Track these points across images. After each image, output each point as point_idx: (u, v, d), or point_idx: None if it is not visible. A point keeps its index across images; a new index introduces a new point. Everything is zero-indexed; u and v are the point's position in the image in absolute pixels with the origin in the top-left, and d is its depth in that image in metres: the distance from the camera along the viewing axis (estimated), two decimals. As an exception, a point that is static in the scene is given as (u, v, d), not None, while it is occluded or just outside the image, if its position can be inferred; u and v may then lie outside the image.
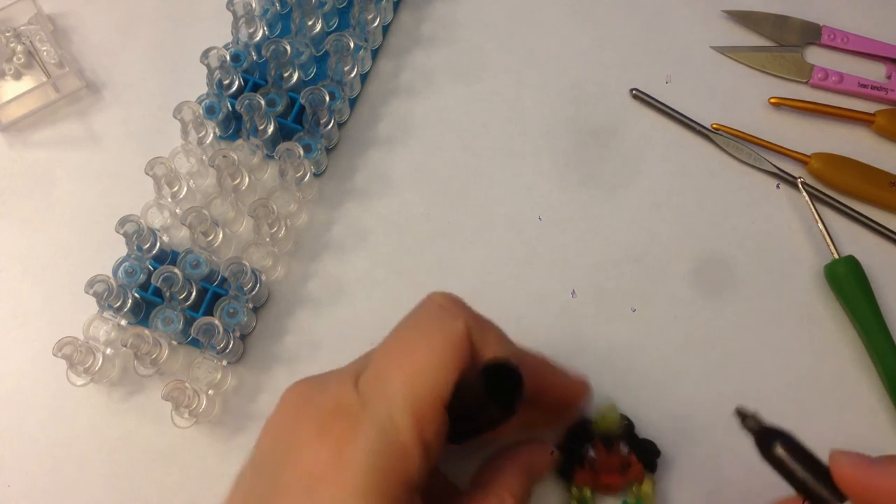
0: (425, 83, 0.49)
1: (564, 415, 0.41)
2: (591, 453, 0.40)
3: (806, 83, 0.49)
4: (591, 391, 0.39)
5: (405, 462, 0.30)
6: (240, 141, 0.45)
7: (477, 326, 0.33)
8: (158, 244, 0.42)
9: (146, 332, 0.41)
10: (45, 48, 0.48)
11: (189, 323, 0.41)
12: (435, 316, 0.33)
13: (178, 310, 0.41)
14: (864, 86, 0.49)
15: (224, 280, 0.42)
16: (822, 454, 0.43)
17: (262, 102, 0.43)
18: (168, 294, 0.41)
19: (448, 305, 0.34)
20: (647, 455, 0.40)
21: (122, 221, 0.41)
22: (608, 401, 0.40)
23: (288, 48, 0.44)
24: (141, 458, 0.42)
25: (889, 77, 0.50)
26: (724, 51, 0.50)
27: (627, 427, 0.41)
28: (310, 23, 0.46)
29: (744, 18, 0.50)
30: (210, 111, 0.44)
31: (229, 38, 0.47)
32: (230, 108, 0.44)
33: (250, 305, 0.43)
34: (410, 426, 0.30)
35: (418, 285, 0.45)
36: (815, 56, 0.50)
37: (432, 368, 0.31)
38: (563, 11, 0.50)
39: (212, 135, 0.45)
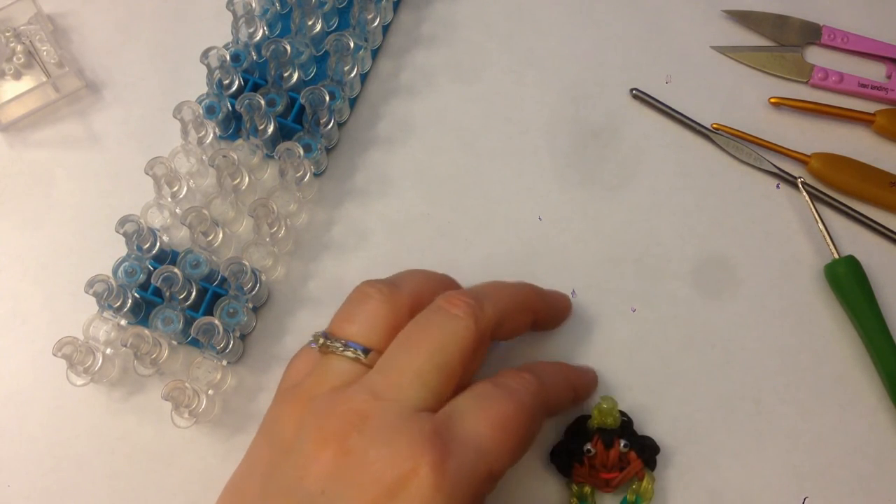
0: (425, 83, 0.49)
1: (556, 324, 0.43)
2: (590, 449, 0.40)
3: (806, 83, 0.49)
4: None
5: (490, 486, 0.31)
6: (240, 141, 0.45)
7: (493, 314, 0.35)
8: (158, 244, 0.42)
9: (146, 332, 0.41)
10: (45, 48, 0.48)
11: (189, 323, 0.41)
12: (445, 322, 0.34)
13: (178, 310, 0.41)
14: (865, 86, 0.49)
15: (224, 280, 0.42)
16: (823, 454, 0.43)
17: (262, 102, 0.43)
18: (168, 294, 0.41)
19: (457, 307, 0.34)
20: (647, 451, 0.40)
21: (122, 221, 0.41)
22: (607, 396, 0.40)
23: (288, 48, 0.44)
24: (141, 458, 0.42)
25: (889, 77, 0.50)
26: (724, 51, 0.50)
27: (626, 423, 0.41)
28: (310, 23, 0.46)
29: (744, 18, 0.50)
30: (210, 111, 0.44)
31: (229, 38, 0.47)
32: (230, 108, 0.45)
33: (250, 305, 0.43)
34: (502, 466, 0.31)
35: (418, 285, 0.45)
36: (815, 56, 0.50)
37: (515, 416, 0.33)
38: (563, 11, 0.50)
39: (212, 135, 0.45)
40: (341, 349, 0.33)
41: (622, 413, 0.41)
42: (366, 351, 0.33)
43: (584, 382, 0.41)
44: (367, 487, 0.29)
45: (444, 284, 0.38)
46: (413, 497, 0.28)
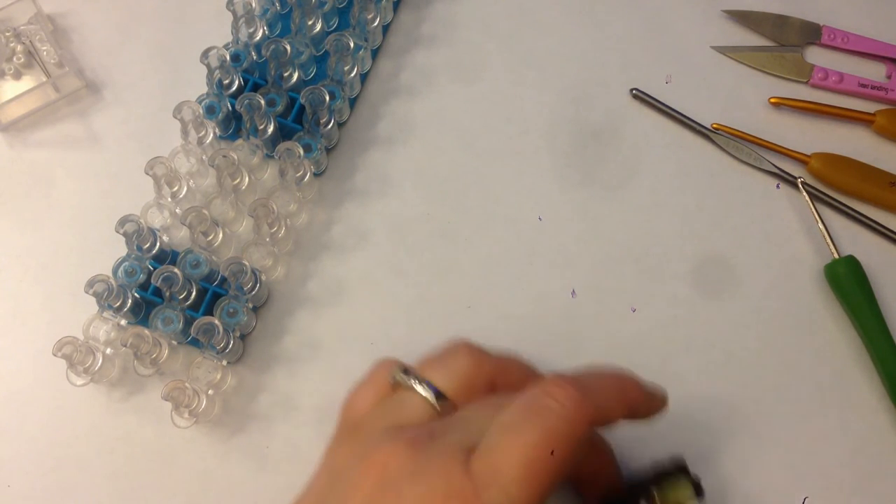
0: (425, 83, 0.49)
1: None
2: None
3: (806, 83, 0.49)
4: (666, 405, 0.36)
5: None
6: (240, 141, 0.45)
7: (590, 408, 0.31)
8: (158, 244, 0.42)
9: (146, 332, 0.41)
10: (45, 48, 0.47)
11: (189, 323, 0.41)
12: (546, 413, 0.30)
13: (178, 310, 0.41)
14: (864, 86, 0.49)
15: (224, 280, 0.42)
16: (823, 454, 0.43)
17: (262, 102, 0.43)
18: (168, 294, 0.41)
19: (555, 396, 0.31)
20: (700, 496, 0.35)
21: (122, 221, 0.41)
22: (675, 460, 0.35)
23: (288, 48, 0.44)
24: (141, 458, 0.42)
25: (889, 77, 0.50)
26: (724, 51, 0.50)
27: (695, 487, 0.35)
28: (310, 23, 0.46)
29: (744, 18, 0.50)
30: (210, 111, 0.44)
31: (229, 38, 0.47)
32: (230, 107, 0.44)
33: (250, 305, 0.43)
34: None
35: (418, 285, 0.45)
36: (815, 56, 0.50)
37: (547, 457, 0.29)
38: (563, 11, 0.50)
39: (212, 135, 0.45)
40: (416, 385, 0.33)
41: (695, 483, 0.35)
42: (440, 396, 0.33)
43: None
44: None
45: (525, 368, 0.37)
46: None
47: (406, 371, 0.34)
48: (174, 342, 0.43)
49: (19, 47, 0.47)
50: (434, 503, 0.28)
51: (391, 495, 0.29)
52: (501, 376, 0.34)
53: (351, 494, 0.30)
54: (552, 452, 0.29)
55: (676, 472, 0.35)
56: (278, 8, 0.47)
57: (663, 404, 0.36)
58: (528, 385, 0.31)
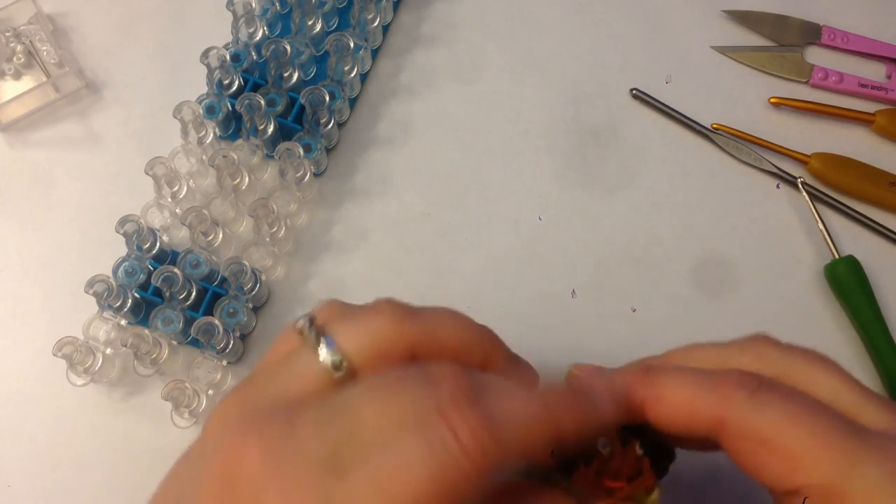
0: (425, 83, 0.49)
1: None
2: (604, 447, 0.30)
3: (806, 83, 0.49)
4: None
5: None
6: (240, 141, 0.45)
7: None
8: (158, 244, 0.42)
9: (146, 332, 0.41)
10: (45, 48, 0.47)
11: (189, 323, 0.41)
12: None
13: (178, 310, 0.41)
14: (864, 86, 0.49)
15: (224, 280, 0.42)
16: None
17: (262, 102, 0.43)
18: (168, 294, 0.41)
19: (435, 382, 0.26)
20: (663, 461, 0.32)
21: (122, 221, 0.41)
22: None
23: (288, 48, 0.44)
24: (141, 458, 0.42)
25: (889, 77, 0.50)
26: (724, 51, 0.50)
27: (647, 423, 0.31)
28: (310, 23, 0.46)
29: (744, 18, 0.50)
30: (210, 111, 0.44)
31: (229, 38, 0.47)
32: (230, 108, 0.44)
33: (250, 305, 0.43)
34: None
35: (418, 285, 0.45)
36: (815, 56, 0.50)
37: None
38: (563, 11, 0.50)
39: (212, 135, 0.45)
40: (315, 343, 0.27)
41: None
42: (339, 365, 0.27)
43: (584, 431, 0.28)
44: None
45: (479, 340, 0.30)
46: None
47: (311, 321, 0.28)
48: (174, 342, 0.43)
49: (19, 47, 0.47)
50: None
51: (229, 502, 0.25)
52: (426, 344, 0.28)
53: (195, 495, 0.27)
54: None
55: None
56: (278, 8, 0.47)
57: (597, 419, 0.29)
58: (452, 358, 0.26)
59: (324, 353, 0.27)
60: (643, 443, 0.30)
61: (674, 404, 0.28)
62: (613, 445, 0.30)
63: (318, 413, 0.26)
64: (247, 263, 0.41)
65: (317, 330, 0.28)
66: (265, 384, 0.28)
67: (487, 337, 0.31)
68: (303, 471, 0.24)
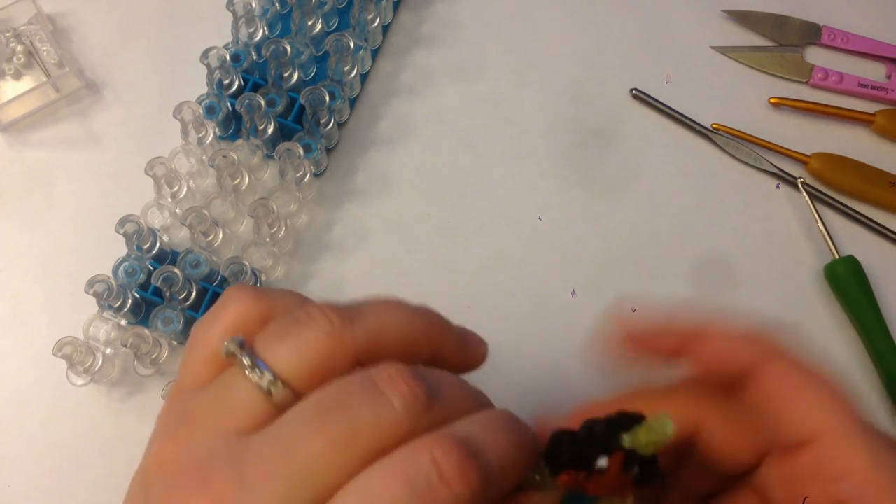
0: (425, 83, 0.49)
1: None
2: (602, 465, 0.28)
3: (806, 83, 0.49)
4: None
5: None
6: (240, 141, 0.45)
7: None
8: (158, 244, 0.42)
9: (146, 332, 0.41)
10: (45, 48, 0.47)
11: (189, 323, 0.41)
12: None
13: (178, 310, 0.41)
14: (864, 86, 0.49)
15: (224, 280, 0.42)
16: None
17: (262, 102, 0.43)
18: (168, 294, 0.41)
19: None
20: (651, 478, 0.29)
21: (122, 221, 0.41)
22: (664, 416, 0.29)
23: (288, 48, 0.44)
24: (141, 458, 0.42)
25: (889, 77, 0.50)
26: (724, 51, 0.50)
27: (655, 457, 0.29)
28: (310, 23, 0.46)
29: (744, 18, 0.50)
30: (210, 111, 0.44)
31: (229, 38, 0.47)
32: (230, 108, 0.44)
33: (250, 305, 0.43)
34: None
35: (418, 285, 0.45)
36: (815, 56, 0.50)
37: None
38: (563, 11, 0.50)
39: (212, 135, 0.45)
40: (249, 368, 0.25)
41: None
42: (279, 389, 0.24)
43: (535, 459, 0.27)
44: None
45: (426, 329, 0.28)
46: None
47: (242, 344, 0.25)
48: (174, 342, 0.43)
49: (19, 47, 0.47)
50: None
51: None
52: (370, 351, 0.26)
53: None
54: None
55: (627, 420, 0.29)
56: (278, 8, 0.47)
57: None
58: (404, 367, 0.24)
59: (258, 378, 0.25)
60: (641, 471, 0.28)
61: (722, 342, 0.30)
62: (612, 465, 0.28)
63: (264, 451, 0.23)
64: (247, 263, 0.41)
65: (249, 353, 0.25)
66: (202, 422, 0.25)
67: (433, 323, 0.28)
68: None
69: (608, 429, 0.28)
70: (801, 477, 0.27)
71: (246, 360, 0.25)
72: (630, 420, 0.28)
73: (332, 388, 0.24)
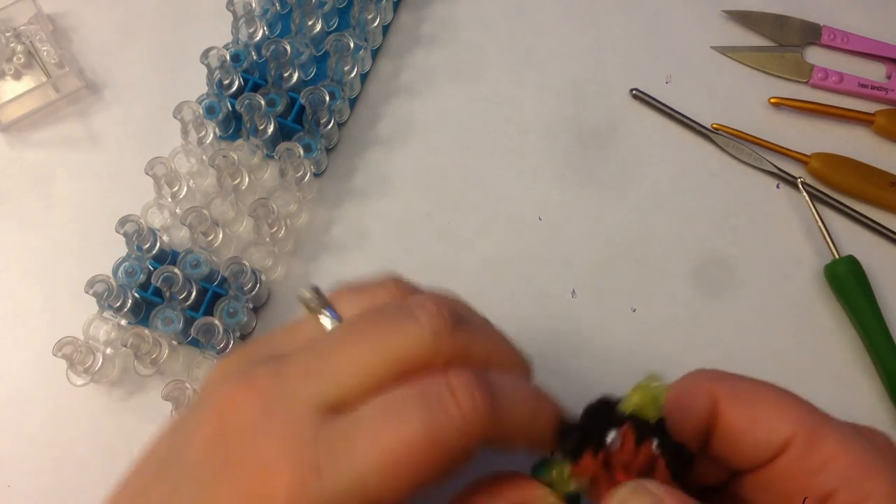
0: (425, 83, 0.49)
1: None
2: (615, 440, 0.28)
3: (806, 83, 0.49)
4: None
5: None
6: (240, 141, 0.45)
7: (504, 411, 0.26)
8: (158, 244, 0.42)
9: (146, 332, 0.41)
10: (45, 48, 0.48)
11: (189, 323, 0.41)
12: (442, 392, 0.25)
13: (178, 310, 0.41)
14: (864, 86, 0.49)
15: (224, 280, 0.42)
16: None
17: (262, 102, 0.43)
18: (168, 294, 0.41)
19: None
20: (680, 463, 0.28)
21: (122, 221, 0.41)
22: (654, 373, 0.29)
23: (288, 48, 0.44)
24: (141, 458, 0.42)
25: (889, 77, 0.50)
26: (724, 51, 0.50)
27: (662, 420, 0.28)
28: (310, 23, 0.46)
29: (744, 18, 0.50)
30: (210, 111, 0.44)
31: (229, 38, 0.47)
32: (230, 108, 0.44)
33: (250, 305, 0.43)
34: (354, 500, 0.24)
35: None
36: (815, 56, 0.50)
37: (420, 459, 0.24)
38: (563, 11, 0.50)
39: (212, 135, 0.45)
40: (318, 309, 0.28)
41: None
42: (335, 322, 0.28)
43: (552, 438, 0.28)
44: (225, 485, 0.25)
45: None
46: None
47: (317, 291, 0.29)
48: (174, 342, 0.43)
49: (19, 47, 0.47)
50: (265, 471, 0.24)
51: (221, 452, 0.25)
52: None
53: (186, 445, 0.26)
54: (428, 455, 0.24)
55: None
56: (278, 8, 0.47)
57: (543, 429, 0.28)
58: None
59: (325, 320, 0.28)
60: (662, 442, 0.28)
61: (677, 401, 0.29)
62: (625, 439, 0.28)
63: (301, 358, 0.26)
64: (247, 263, 0.41)
65: (321, 299, 0.29)
66: (264, 344, 0.29)
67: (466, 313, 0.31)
68: (292, 416, 0.25)
69: (603, 406, 0.29)
70: (781, 479, 0.27)
71: (316, 304, 0.28)
72: (616, 400, 0.29)
73: (370, 310, 0.28)
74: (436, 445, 0.24)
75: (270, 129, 0.44)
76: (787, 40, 0.50)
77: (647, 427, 0.28)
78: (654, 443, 0.28)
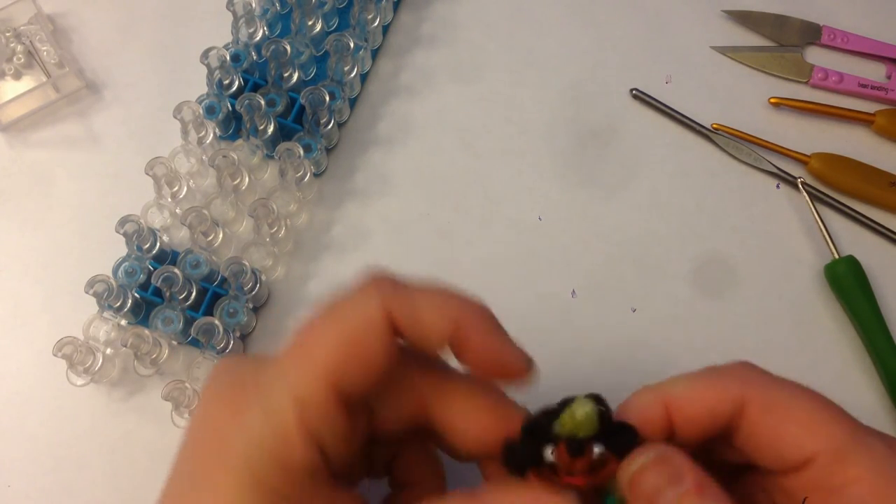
0: (425, 83, 0.49)
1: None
2: (550, 456, 0.28)
3: (806, 83, 0.49)
4: (536, 373, 0.31)
5: (286, 451, 0.27)
6: (240, 141, 0.45)
7: (399, 300, 0.29)
8: (158, 244, 0.42)
9: (146, 332, 0.41)
10: (45, 48, 0.48)
11: (189, 323, 0.41)
12: (348, 300, 0.29)
13: (178, 310, 0.41)
14: (864, 86, 0.49)
15: (224, 280, 0.42)
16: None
17: (262, 102, 0.43)
18: (168, 294, 0.41)
19: (365, 284, 0.30)
20: (627, 448, 0.29)
21: (122, 221, 0.41)
22: (585, 399, 0.29)
23: (288, 48, 0.44)
24: (141, 458, 0.42)
25: (889, 77, 0.50)
26: (724, 51, 0.50)
27: (603, 416, 0.29)
28: (310, 23, 0.46)
29: (744, 18, 0.50)
30: (210, 111, 0.44)
31: (229, 38, 0.47)
32: (230, 108, 0.45)
33: (250, 305, 0.43)
34: (291, 411, 0.27)
35: (418, 285, 0.45)
36: (815, 56, 0.50)
37: (327, 355, 0.27)
38: (563, 11, 0.50)
39: (212, 135, 0.45)
40: None
41: (598, 401, 0.29)
42: None
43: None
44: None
45: (471, 306, 0.30)
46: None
47: None
48: (174, 342, 0.43)
49: (19, 47, 0.47)
50: (236, 395, 0.28)
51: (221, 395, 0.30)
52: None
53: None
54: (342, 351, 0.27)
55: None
56: (278, 8, 0.47)
57: (521, 370, 0.30)
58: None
59: None
60: (606, 444, 0.28)
61: (695, 401, 0.29)
62: (560, 454, 0.28)
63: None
64: (247, 263, 0.41)
65: None
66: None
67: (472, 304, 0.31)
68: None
69: (541, 423, 0.29)
70: (800, 488, 0.27)
71: None
72: (558, 409, 0.29)
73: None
74: (337, 343, 0.28)
75: (270, 129, 0.44)
76: (787, 40, 0.50)
77: (581, 444, 0.28)
78: (596, 449, 0.28)
